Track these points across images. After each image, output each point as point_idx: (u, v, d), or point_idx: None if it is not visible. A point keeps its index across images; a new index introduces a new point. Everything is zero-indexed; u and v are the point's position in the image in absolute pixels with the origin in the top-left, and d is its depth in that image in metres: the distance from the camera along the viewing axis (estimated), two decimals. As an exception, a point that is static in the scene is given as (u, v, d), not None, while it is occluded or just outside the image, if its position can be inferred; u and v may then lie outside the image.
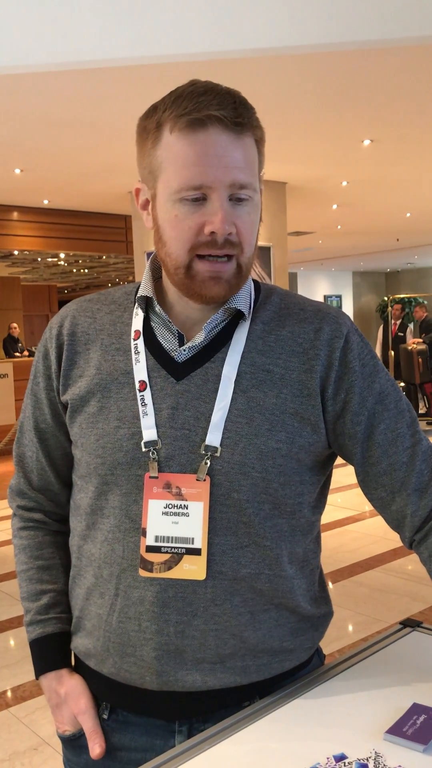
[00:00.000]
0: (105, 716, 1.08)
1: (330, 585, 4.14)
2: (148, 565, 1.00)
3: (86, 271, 14.18)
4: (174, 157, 0.96)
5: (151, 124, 0.99)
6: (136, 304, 1.09)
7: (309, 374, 1.02)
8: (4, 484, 7.32)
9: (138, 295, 1.08)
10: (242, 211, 0.98)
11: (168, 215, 0.98)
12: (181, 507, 0.99)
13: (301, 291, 18.14)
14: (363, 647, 1.16)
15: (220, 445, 0.99)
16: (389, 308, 11.07)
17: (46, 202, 8.35)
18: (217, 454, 0.98)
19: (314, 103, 4.83)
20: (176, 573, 0.99)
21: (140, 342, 1.05)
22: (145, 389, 1.02)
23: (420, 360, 9.65)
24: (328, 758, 0.87)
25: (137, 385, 1.03)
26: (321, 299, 19.01)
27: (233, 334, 1.04)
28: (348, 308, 20.22)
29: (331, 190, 7.90)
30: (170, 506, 1.00)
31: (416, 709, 0.96)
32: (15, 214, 8.59)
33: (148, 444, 1.00)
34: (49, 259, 11.97)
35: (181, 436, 1.00)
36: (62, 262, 12.52)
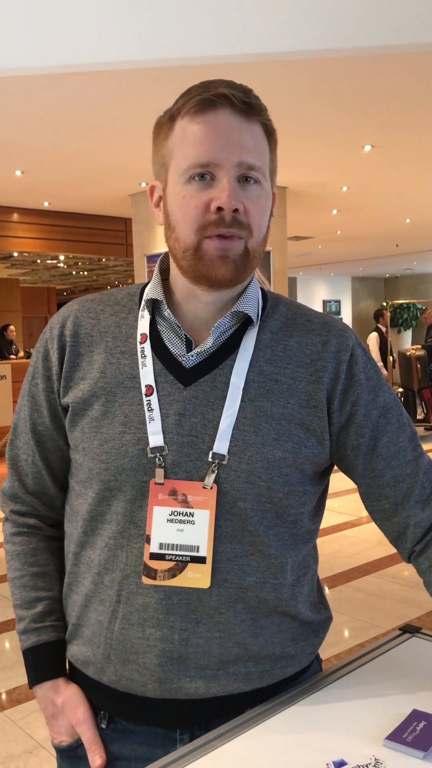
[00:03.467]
0: (103, 726, 1.06)
1: (327, 590, 4.13)
2: (151, 573, 0.98)
3: (86, 273, 14.18)
4: (183, 139, 0.97)
5: (165, 117, 1.01)
6: (142, 306, 1.07)
7: (316, 385, 1.02)
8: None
9: (146, 297, 1.06)
10: (251, 193, 0.98)
11: (176, 198, 0.98)
12: (186, 515, 0.98)
13: (300, 296, 18.15)
14: (362, 653, 1.16)
15: (228, 453, 0.97)
16: (388, 314, 11.01)
17: (46, 204, 8.35)
18: (225, 462, 0.97)
19: (315, 108, 4.83)
20: (180, 581, 0.97)
21: (147, 345, 1.03)
22: (151, 394, 1.00)
23: (418, 366, 9.66)
24: (327, 764, 0.87)
25: (144, 390, 1.01)
26: (320, 304, 19.02)
27: (241, 340, 1.03)
28: (346, 313, 20.22)
29: (331, 195, 7.91)
30: (175, 513, 0.98)
31: (416, 715, 0.95)
32: (15, 216, 8.59)
33: (154, 450, 0.98)
34: (49, 261, 11.97)
35: (188, 442, 0.98)
36: (62, 265, 12.52)
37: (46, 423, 1.09)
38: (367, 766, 0.87)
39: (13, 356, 11.64)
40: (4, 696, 3.05)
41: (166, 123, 1.00)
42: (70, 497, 1.09)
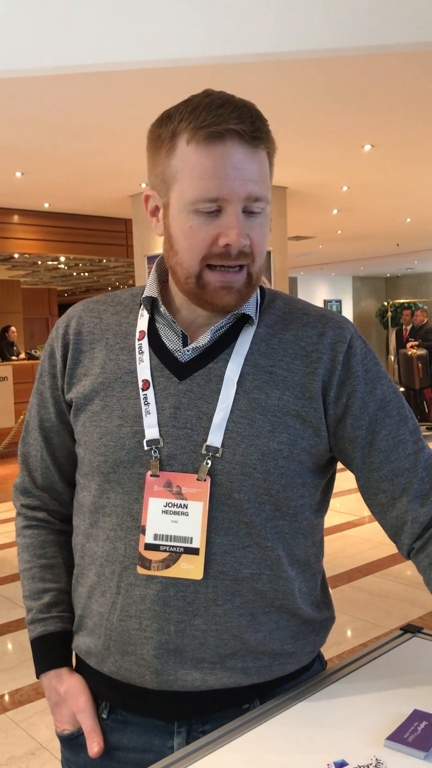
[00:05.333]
0: (104, 716, 1.08)
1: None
2: (146, 563, 1.00)
3: (86, 274, 14.18)
4: (190, 168, 0.97)
5: (166, 132, 0.99)
6: (142, 305, 1.10)
7: (311, 377, 1.02)
8: (2, 487, 7.31)
9: (143, 296, 1.09)
10: (255, 223, 0.99)
11: (182, 225, 0.99)
12: (180, 506, 1.00)
13: (301, 295, 18.14)
14: (364, 653, 1.16)
15: (222, 445, 0.99)
16: (389, 313, 11.02)
17: (46, 205, 8.36)
18: (219, 455, 0.99)
19: (315, 108, 4.83)
20: (174, 572, 0.99)
21: (144, 342, 1.06)
22: (148, 388, 1.03)
23: (420, 365, 9.66)
24: (328, 765, 0.87)
25: (140, 384, 1.04)
26: (321, 304, 19.02)
27: (238, 336, 1.05)
28: (348, 313, 20.21)
29: (331, 195, 7.92)
30: (170, 505, 1.00)
31: (417, 715, 0.95)
32: (15, 217, 8.60)
33: (150, 443, 1.01)
34: (50, 263, 11.98)
35: (183, 435, 1.00)
36: (62, 266, 12.53)
37: (53, 419, 1.13)
38: (368, 766, 0.86)
39: (14, 357, 11.64)
40: (7, 697, 3.05)
41: (168, 139, 0.98)
42: (76, 491, 1.13)
